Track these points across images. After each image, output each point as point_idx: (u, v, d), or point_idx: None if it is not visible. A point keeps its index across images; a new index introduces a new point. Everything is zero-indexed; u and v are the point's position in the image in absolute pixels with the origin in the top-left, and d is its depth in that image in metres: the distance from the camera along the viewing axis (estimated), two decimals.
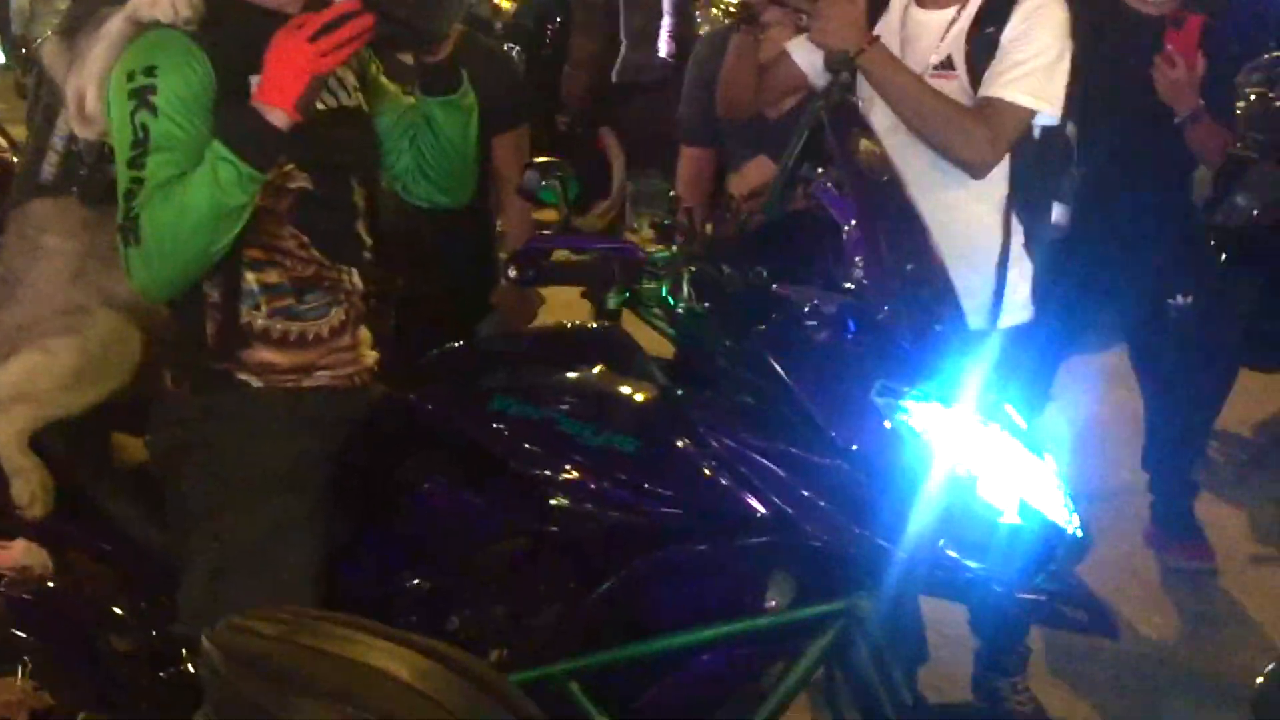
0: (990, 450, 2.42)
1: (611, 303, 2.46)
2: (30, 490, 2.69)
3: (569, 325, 2.73)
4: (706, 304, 2.58)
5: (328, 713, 1.58)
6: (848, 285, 2.47)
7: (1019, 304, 3.38)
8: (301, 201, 2.59)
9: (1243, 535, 4.99)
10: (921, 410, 2.38)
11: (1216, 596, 4.58)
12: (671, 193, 2.98)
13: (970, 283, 3.18)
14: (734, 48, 3.41)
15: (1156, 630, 4.35)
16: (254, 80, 2.46)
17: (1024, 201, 3.33)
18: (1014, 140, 3.19)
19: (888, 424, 2.37)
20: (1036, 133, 3.28)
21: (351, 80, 2.72)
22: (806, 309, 2.44)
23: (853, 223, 2.46)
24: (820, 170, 2.56)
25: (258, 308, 2.58)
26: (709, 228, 2.75)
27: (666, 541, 2.42)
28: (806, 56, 3.34)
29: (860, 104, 3.26)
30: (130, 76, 2.44)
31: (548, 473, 2.46)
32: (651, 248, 2.50)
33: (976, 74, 3.19)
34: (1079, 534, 2.48)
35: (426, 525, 2.63)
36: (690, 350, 2.63)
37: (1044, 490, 2.46)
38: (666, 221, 2.51)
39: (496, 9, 9.68)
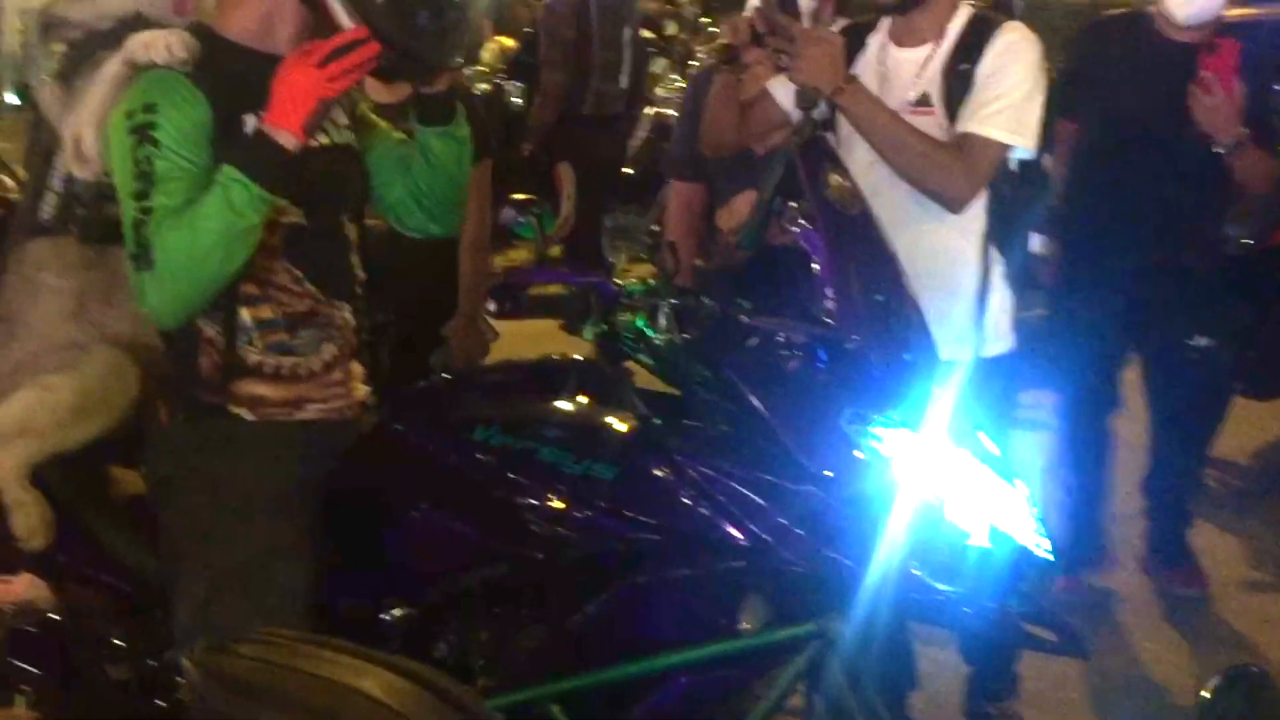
0: (958, 475, 2.48)
1: (588, 334, 2.54)
2: (30, 523, 2.77)
3: (554, 357, 2.80)
4: (685, 335, 2.66)
5: None
6: (820, 316, 2.54)
7: (1000, 334, 3.45)
8: (294, 236, 2.67)
9: (1237, 560, 5.05)
10: (890, 436, 2.45)
11: (1210, 621, 4.63)
12: (654, 227, 3.06)
13: (950, 313, 3.27)
14: (717, 87, 3.49)
15: (1149, 655, 4.39)
16: (249, 119, 2.56)
17: (1002, 233, 3.39)
18: (990, 174, 3.26)
19: (857, 450, 2.44)
20: (1013, 165, 3.35)
21: (342, 118, 2.80)
22: (779, 339, 2.51)
23: (822, 256, 2.53)
24: (794, 205, 2.63)
25: (251, 342, 2.66)
26: (698, 260, 2.83)
27: (645, 566, 2.49)
28: (787, 94, 3.42)
29: (839, 140, 3.36)
30: (130, 115, 2.53)
31: (529, 500, 2.53)
32: (624, 281, 2.57)
33: (952, 109, 3.26)
34: (1048, 557, 2.54)
35: (413, 552, 2.70)
36: (671, 380, 2.69)
37: (1012, 514, 2.52)
38: (641, 255, 2.59)
39: (501, 49, 9.78)
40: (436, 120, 2.78)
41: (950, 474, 2.47)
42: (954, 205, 3.25)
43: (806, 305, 2.61)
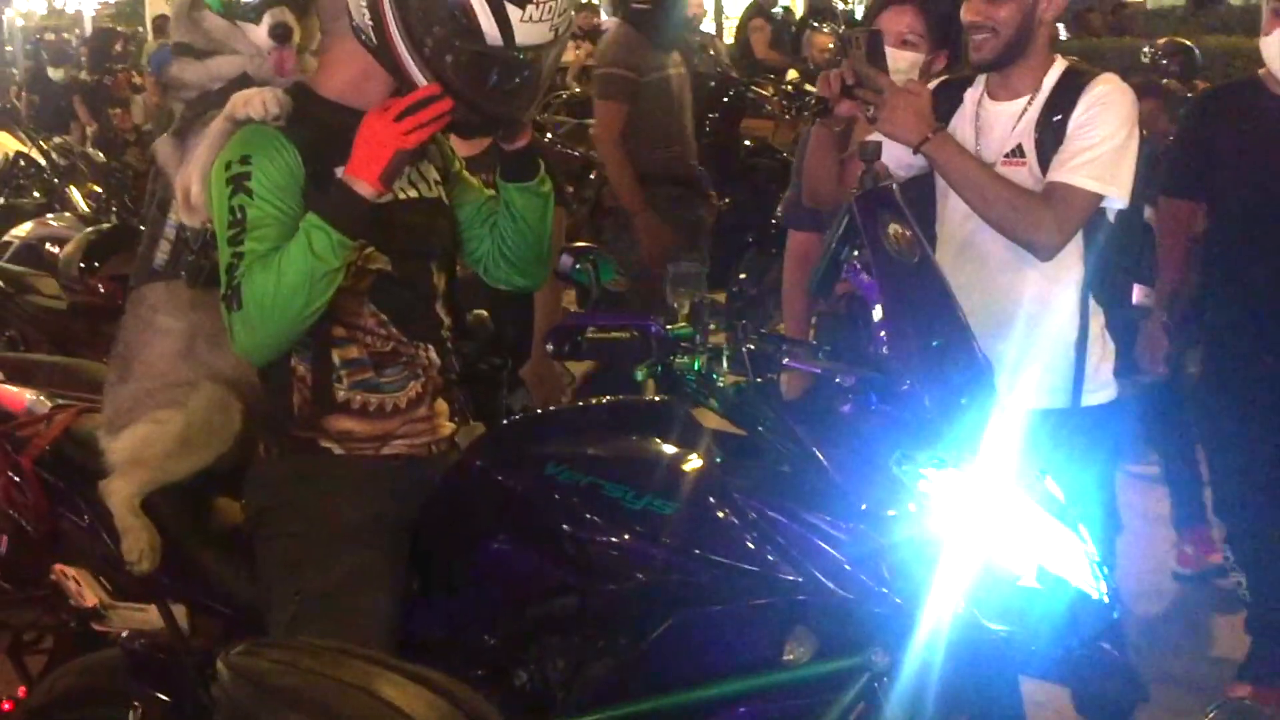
0: (1010, 517, 2.53)
1: (639, 376, 2.65)
2: (139, 548, 2.97)
3: (630, 399, 2.92)
4: (758, 379, 2.76)
5: None
6: (877, 361, 2.62)
7: (1101, 382, 3.48)
8: (381, 283, 2.83)
9: None
10: (939, 477, 2.51)
11: None
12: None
13: (1047, 361, 3.32)
14: (813, 140, 3.60)
15: None
16: (338, 172, 2.73)
17: (1101, 283, 3.43)
18: (1079, 224, 3.30)
19: (907, 491, 2.51)
20: (1111, 216, 3.39)
21: (433, 174, 2.96)
22: (836, 382, 2.60)
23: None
24: (855, 254, 2.71)
25: (340, 381, 2.82)
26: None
27: (702, 599, 2.58)
28: (886, 148, 3.50)
29: (938, 192, 3.43)
30: (228, 166, 2.72)
31: (594, 534, 2.65)
32: (674, 326, 2.68)
33: (1045, 161, 3.31)
34: (1104, 600, 2.57)
35: (492, 583, 2.82)
36: (737, 421, 2.79)
37: (1068, 558, 2.56)
38: (698, 301, 2.69)
39: None
40: (519, 176, 2.92)
41: (1002, 516, 2.52)
42: (1042, 253, 3.30)
43: (866, 350, 2.68)
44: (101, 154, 9.05)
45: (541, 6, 2.62)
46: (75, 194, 7.24)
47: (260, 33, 2.89)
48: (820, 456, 2.56)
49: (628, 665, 2.67)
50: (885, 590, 2.48)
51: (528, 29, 2.62)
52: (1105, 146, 3.27)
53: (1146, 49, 8.75)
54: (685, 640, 2.61)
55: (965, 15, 3.37)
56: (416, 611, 2.85)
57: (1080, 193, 3.26)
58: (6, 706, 3.41)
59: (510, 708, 2.74)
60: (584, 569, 2.67)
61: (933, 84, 3.55)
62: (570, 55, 14.06)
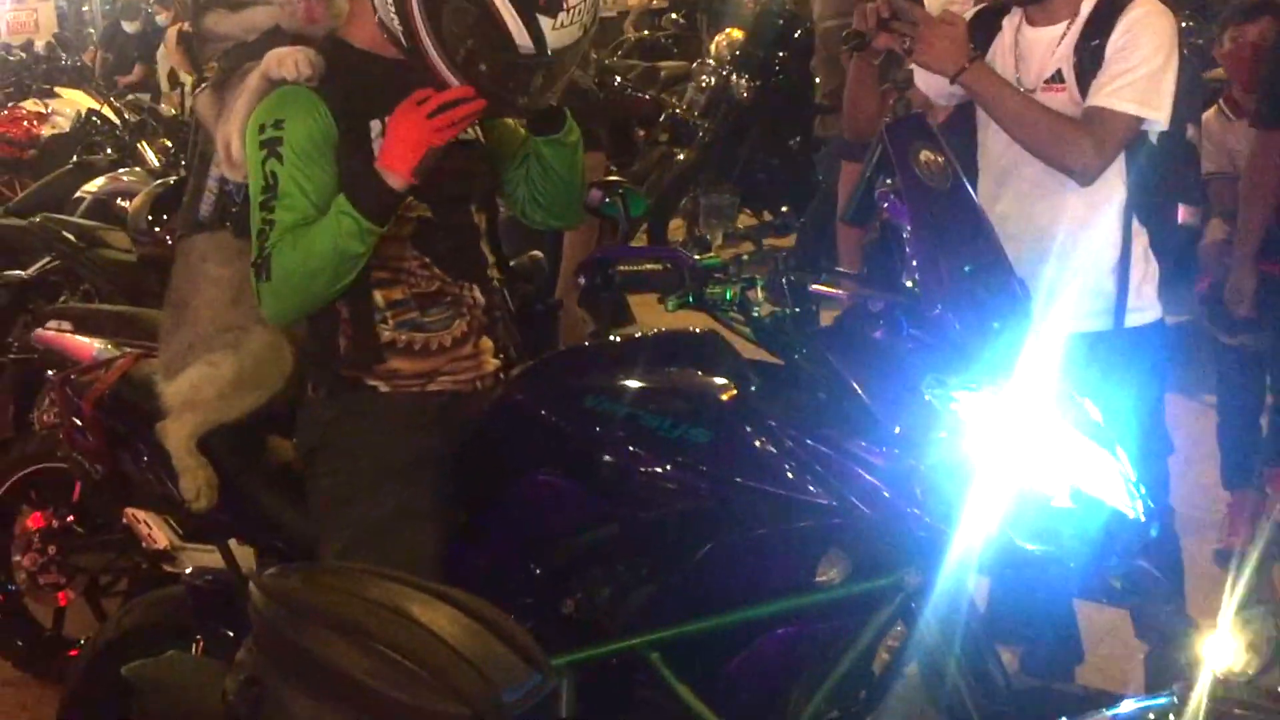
0: (1043, 439, 2.55)
1: (670, 306, 2.69)
2: (197, 486, 3.06)
3: (669, 330, 2.96)
4: (797, 308, 2.79)
5: (356, 650, 1.82)
6: (907, 285, 2.64)
7: (1145, 304, 3.50)
8: (422, 228, 2.89)
9: None
10: (970, 400, 2.53)
11: None
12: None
13: (1092, 284, 3.36)
14: (852, 73, 3.61)
15: None
16: (374, 125, 2.80)
17: (1144, 205, 3.44)
18: (1120, 147, 3.30)
19: (937, 414, 2.53)
20: (1153, 138, 3.39)
21: None
22: (868, 308, 2.63)
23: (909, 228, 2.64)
24: (888, 181, 2.73)
25: (385, 321, 2.89)
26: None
27: (739, 525, 2.62)
28: (925, 80, 3.53)
29: (979, 121, 3.43)
30: (261, 129, 2.79)
31: (632, 463, 2.70)
32: (704, 256, 2.71)
33: (1084, 85, 3.31)
34: (1140, 519, 2.59)
35: (538, 514, 2.88)
36: (773, 350, 2.82)
37: (1103, 478, 2.57)
38: (730, 231, 2.72)
39: (729, 40, 9.92)
40: (546, 130, 2.97)
41: (1035, 437, 2.54)
42: (1082, 178, 3.30)
43: (899, 275, 2.70)
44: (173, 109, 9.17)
45: (572, 11, 2.64)
46: (146, 149, 7.35)
47: None
48: (854, 383, 2.59)
49: (669, 591, 2.73)
50: (918, 512, 2.51)
51: (559, 34, 2.65)
52: (1144, 69, 3.26)
53: None
54: (724, 565, 2.65)
55: None
56: (464, 544, 2.92)
57: (1120, 116, 3.26)
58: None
59: (559, 635, 2.81)
60: (624, 498, 2.72)
61: (969, 13, 3.55)
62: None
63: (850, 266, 3.72)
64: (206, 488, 3.06)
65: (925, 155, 2.69)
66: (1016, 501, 2.49)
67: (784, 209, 5.61)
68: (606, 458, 2.73)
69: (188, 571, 3.30)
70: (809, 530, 2.59)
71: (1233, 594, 3.46)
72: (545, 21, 2.63)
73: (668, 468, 2.66)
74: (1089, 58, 3.31)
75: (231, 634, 3.12)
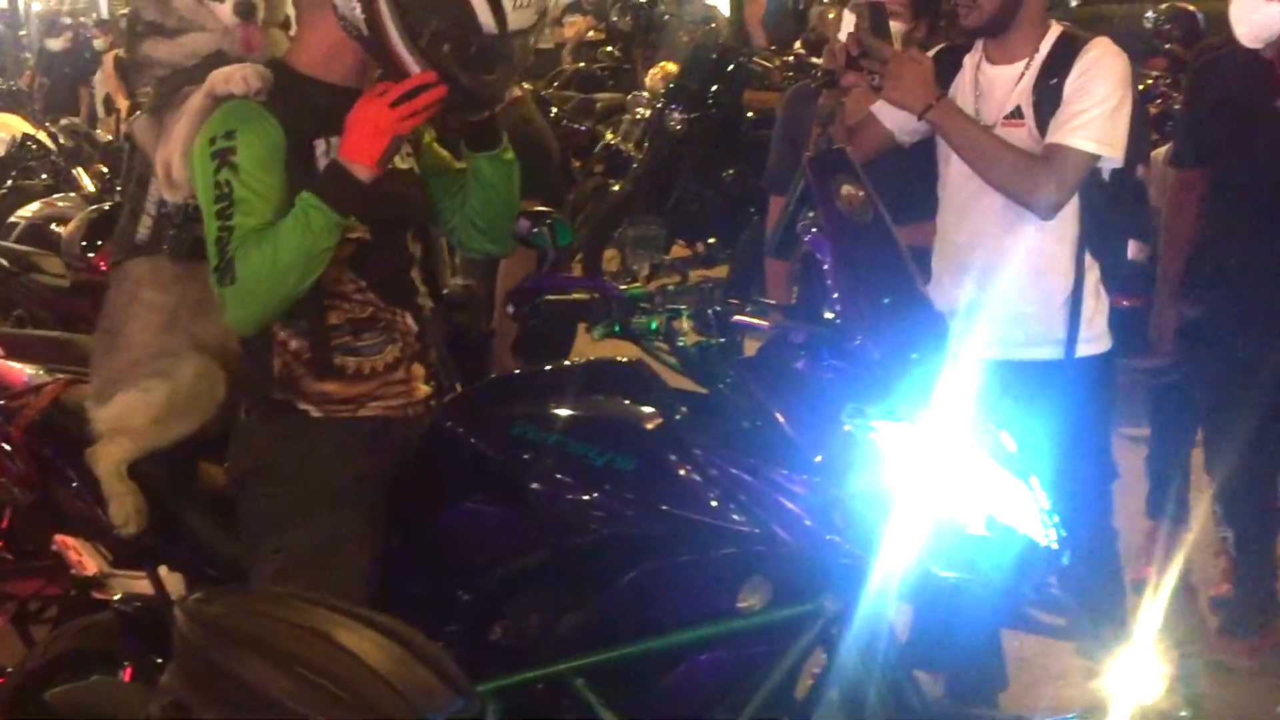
0: (959, 468, 2.61)
1: (596, 335, 2.73)
2: (126, 512, 3.07)
3: (597, 360, 3.00)
4: (722, 338, 2.84)
5: (279, 674, 1.85)
6: (828, 316, 2.70)
7: (1095, 335, 3.63)
8: (360, 251, 2.92)
9: None
10: (889, 429, 2.59)
11: None
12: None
13: (1046, 315, 3.53)
14: (820, 112, 3.66)
15: None
16: (319, 145, 2.84)
17: (1097, 240, 3.58)
18: (1078, 183, 3.46)
19: (856, 443, 2.59)
20: (1105, 175, 3.55)
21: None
22: (790, 338, 2.68)
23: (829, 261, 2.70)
24: (811, 214, 2.79)
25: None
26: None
27: (663, 551, 2.67)
28: (891, 116, 3.64)
29: (940, 155, 3.63)
30: (212, 141, 2.81)
31: (559, 491, 2.74)
32: (627, 286, 2.76)
33: (1043, 121, 3.47)
34: (1053, 547, 2.65)
35: (465, 540, 2.91)
36: (698, 380, 2.87)
37: (1016, 507, 2.64)
38: (656, 262, 2.77)
39: (664, 73, 10.04)
40: (485, 146, 3.01)
41: (951, 467, 2.60)
42: (1043, 212, 3.45)
43: (820, 307, 2.76)
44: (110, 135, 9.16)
45: None
46: (82, 175, 7.36)
47: (225, 10, 2.97)
48: (776, 413, 2.64)
49: (596, 617, 2.76)
50: (838, 540, 2.56)
51: (518, 15, 2.74)
52: (1100, 109, 3.41)
53: (1150, 14, 8.77)
54: (649, 591, 2.70)
55: None
56: (394, 570, 2.94)
57: (1078, 153, 3.40)
58: None
59: (487, 661, 2.84)
60: (552, 525, 2.76)
61: (933, 51, 3.70)
62: (569, 31, 14.15)
63: (778, 298, 3.77)
64: (135, 514, 3.07)
65: (847, 189, 2.75)
66: (934, 530, 2.55)
67: (711, 240, 5.68)
68: (534, 485, 2.77)
69: (117, 598, 3.31)
70: (732, 557, 2.63)
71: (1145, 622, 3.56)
72: (507, 1, 2.69)
73: (594, 495, 2.70)
74: (1047, 96, 3.47)
75: (160, 660, 3.12)
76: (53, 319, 5.56)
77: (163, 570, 3.26)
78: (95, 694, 2.31)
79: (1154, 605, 3.82)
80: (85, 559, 3.56)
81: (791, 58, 10.46)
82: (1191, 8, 8.47)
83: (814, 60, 10.21)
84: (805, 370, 2.69)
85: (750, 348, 2.92)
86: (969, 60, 3.64)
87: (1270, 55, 4.06)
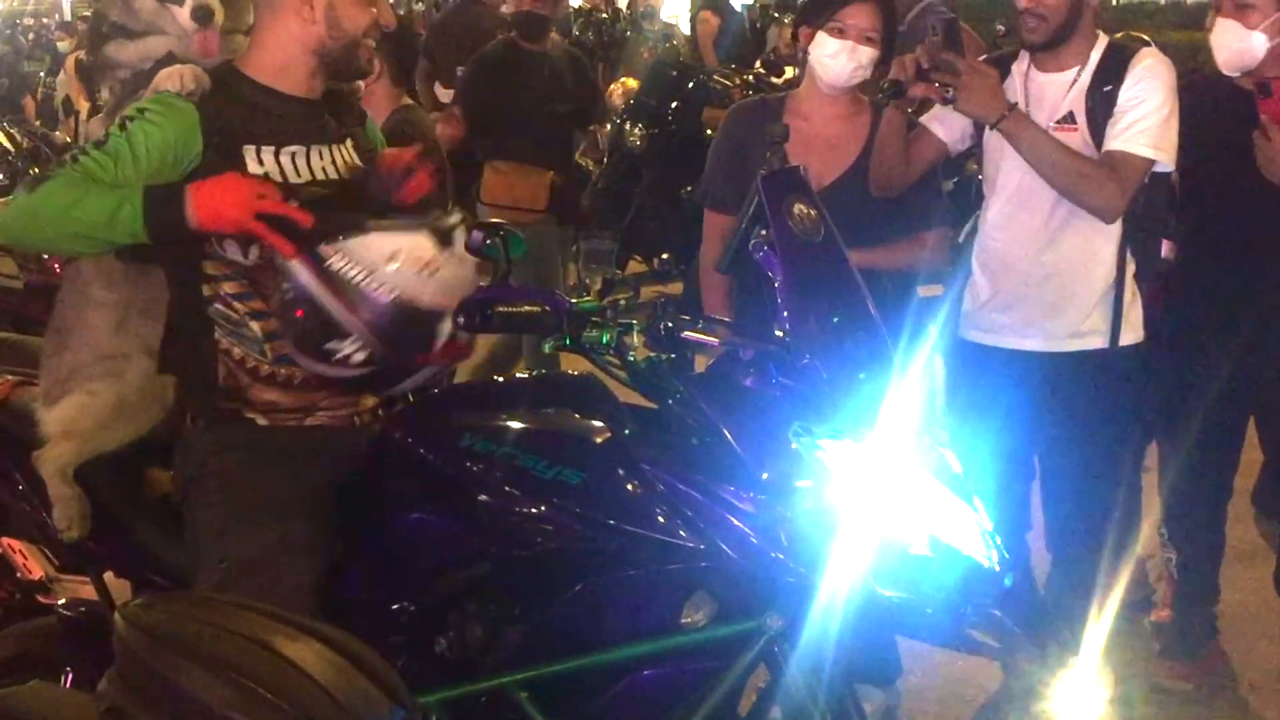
0: (903, 488, 2.62)
1: (547, 348, 2.74)
2: (70, 516, 3.05)
3: (547, 374, 3.01)
4: (673, 354, 2.85)
5: (219, 682, 1.83)
6: (780, 335, 2.71)
7: (1133, 324, 3.81)
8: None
9: None
10: (835, 448, 2.61)
11: None
12: (665, 255, 3.28)
13: (1090, 307, 3.73)
14: (885, 124, 3.74)
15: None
16: (248, 150, 2.84)
17: (1136, 238, 3.76)
18: (1137, 187, 3.65)
19: (803, 461, 2.60)
20: (1146, 177, 3.69)
21: (354, 159, 3.05)
22: (740, 356, 2.70)
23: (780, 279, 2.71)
24: (763, 232, 2.81)
25: (263, 353, 2.90)
26: None
27: (608, 565, 2.68)
28: (946, 127, 3.78)
29: (987, 158, 3.81)
30: (129, 110, 2.86)
31: (507, 503, 2.74)
32: (578, 299, 2.77)
33: (1096, 126, 3.66)
34: (995, 569, 2.67)
35: (411, 550, 2.91)
36: (648, 395, 2.88)
37: (959, 526, 2.65)
38: (608, 277, 2.79)
39: (624, 89, 10.05)
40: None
41: (896, 486, 2.61)
42: (1108, 216, 3.68)
43: (771, 325, 2.77)
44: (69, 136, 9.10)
45: None
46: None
47: (184, 14, 2.98)
48: (724, 430, 2.65)
49: (540, 630, 2.77)
50: (783, 557, 2.57)
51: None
52: (1157, 116, 3.63)
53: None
54: (594, 605, 2.71)
55: (1020, 1, 3.68)
56: (340, 579, 2.94)
57: (1138, 159, 3.61)
58: None
59: (431, 673, 2.84)
60: (498, 537, 2.77)
61: (981, 58, 3.86)
62: None
63: (717, 312, 3.78)
64: (80, 518, 3.05)
65: (799, 208, 2.77)
66: (878, 549, 2.57)
67: (665, 256, 5.63)
68: (482, 496, 2.78)
69: (61, 603, 3.29)
70: (676, 573, 2.64)
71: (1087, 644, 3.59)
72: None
73: (541, 508, 2.71)
74: (1101, 102, 3.65)
75: (101, 666, 3.10)
76: (4, 321, 5.52)
77: (108, 576, 3.25)
78: (31, 698, 2.27)
79: (1097, 628, 3.86)
80: (30, 562, 3.54)
81: (751, 77, 10.49)
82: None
83: (772, 80, 10.31)
84: (754, 388, 2.71)
85: (701, 364, 2.93)
86: (1016, 68, 3.80)
87: (1247, 84, 4.02)
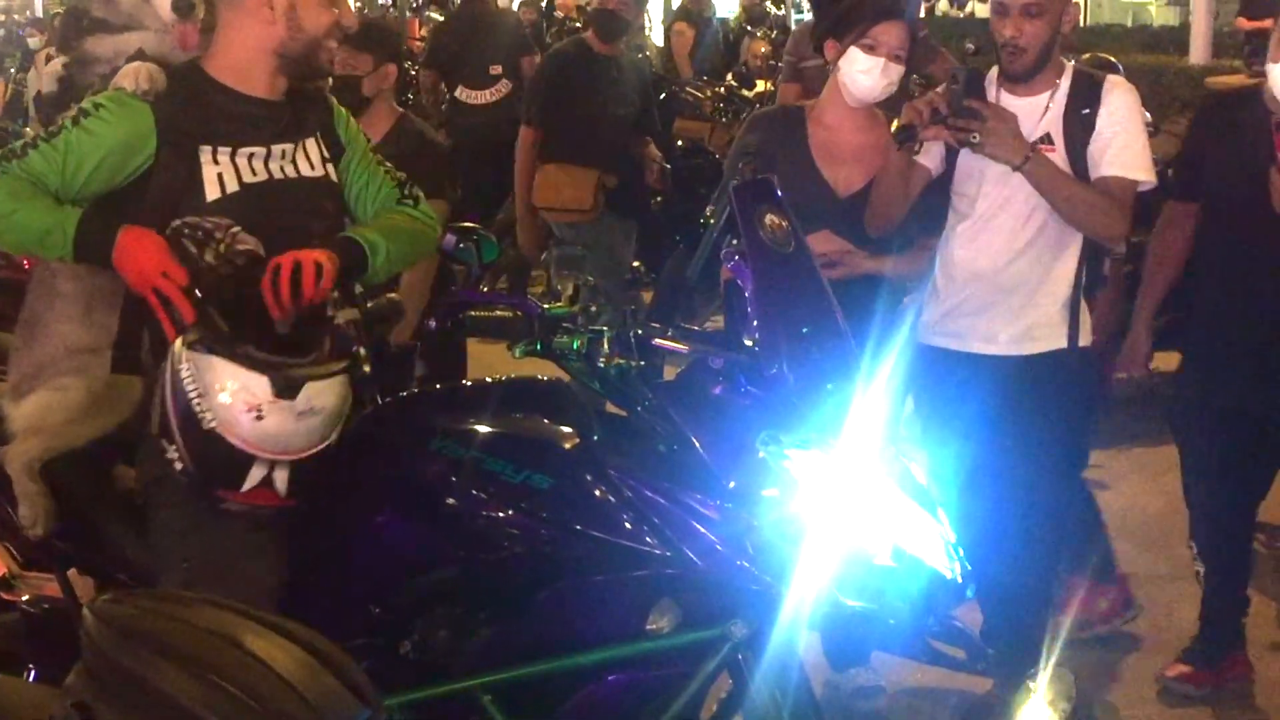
0: (869, 498, 2.65)
1: (518, 353, 2.76)
2: (35, 513, 3.04)
3: (518, 378, 3.02)
4: (643, 361, 2.87)
5: (187, 678, 1.84)
6: (747, 343, 2.74)
7: (1086, 331, 3.94)
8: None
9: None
10: (802, 457, 2.63)
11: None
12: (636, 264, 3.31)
13: (1052, 314, 3.89)
14: (892, 168, 3.79)
15: None
16: (204, 150, 2.85)
17: (1093, 252, 3.91)
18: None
19: (770, 470, 2.62)
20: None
21: (319, 153, 3.05)
22: (709, 364, 2.72)
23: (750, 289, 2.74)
24: (734, 242, 2.83)
25: None
26: None
27: (576, 570, 2.69)
28: (926, 157, 3.84)
29: (959, 182, 3.87)
30: (85, 103, 2.87)
31: (474, 507, 2.76)
32: (549, 305, 2.79)
33: (1074, 147, 3.79)
34: (957, 580, 2.70)
35: (379, 552, 2.92)
36: (617, 402, 2.90)
37: (923, 539, 2.68)
38: (580, 283, 2.81)
39: None
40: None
41: (861, 497, 2.64)
42: (1117, 240, 3.91)
43: (741, 334, 2.79)
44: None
45: None
46: None
47: (165, 6, 2.98)
48: (692, 438, 2.67)
49: (506, 634, 2.78)
50: (748, 566, 2.59)
51: None
52: (1139, 142, 3.82)
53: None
54: (560, 610, 2.73)
55: (1005, 32, 3.76)
56: (305, 581, 2.94)
57: (1131, 183, 3.78)
58: None
59: (396, 675, 2.84)
60: (465, 541, 2.78)
61: (941, 87, 3.89)
62: None
63: None
64: (45, 515, 3.04)
65: (770, 219, 2.79)
66: (843, 559, 2.59)
67: (636, 265, 5.72)
68: (450, 500, 2.79)
69: (24, 600, 3.28)
70: (642, 579, 2.66)
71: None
72: None
73: (509, 512, 2.72)
74: (1079, 125, 3.78)
75: (65, 664, 3.09)
76: None
77: (73, 573, 3.24)
78: None
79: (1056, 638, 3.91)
80: None
81: (722, 89, 10.53)
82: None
83: (744, 93, 10.34)
84: (723, 396, 2.73)
85: (670, 372, 2.95)
86: (988, 93, 3.86)
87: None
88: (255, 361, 2.66)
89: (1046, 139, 3.78)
